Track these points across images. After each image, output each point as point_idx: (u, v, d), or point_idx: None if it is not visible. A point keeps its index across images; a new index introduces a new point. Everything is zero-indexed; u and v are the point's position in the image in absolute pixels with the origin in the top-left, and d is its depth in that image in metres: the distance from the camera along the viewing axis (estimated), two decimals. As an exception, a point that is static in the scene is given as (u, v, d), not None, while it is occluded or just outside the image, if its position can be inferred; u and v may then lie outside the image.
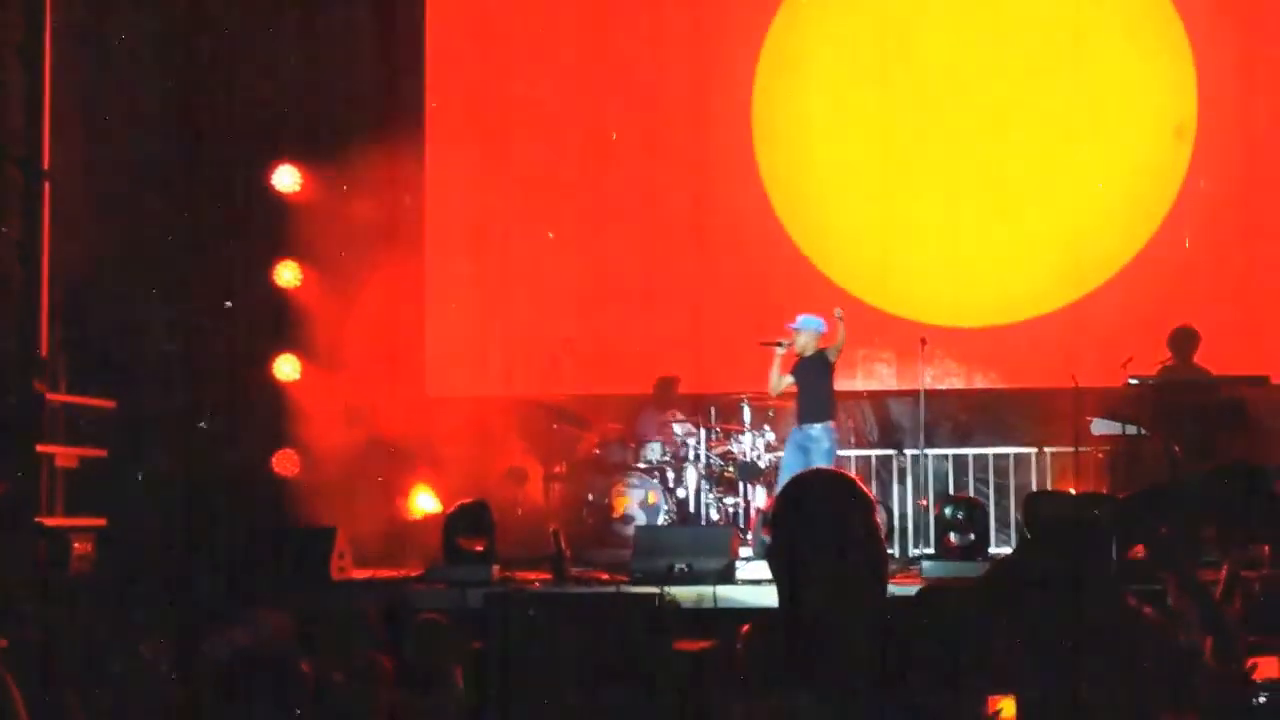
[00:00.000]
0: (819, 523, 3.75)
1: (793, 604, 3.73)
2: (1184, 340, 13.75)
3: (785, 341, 12.94)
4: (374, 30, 15.65)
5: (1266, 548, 7.03)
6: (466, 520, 12.10)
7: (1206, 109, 15.38)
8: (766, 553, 3.93)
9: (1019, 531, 13.57)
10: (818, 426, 12.94)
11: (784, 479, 12.70)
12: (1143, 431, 13.34)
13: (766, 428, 14.29)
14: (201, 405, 14.58)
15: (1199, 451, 13.11)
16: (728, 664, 8.78)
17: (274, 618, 6.99)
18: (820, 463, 12.67)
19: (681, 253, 15.86)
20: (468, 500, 12.49)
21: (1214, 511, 7.02)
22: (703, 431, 14.21)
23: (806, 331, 12.97)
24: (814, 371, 13.03)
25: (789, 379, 13.06)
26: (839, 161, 15.89)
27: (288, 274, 14.60)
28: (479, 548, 11.96)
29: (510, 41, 16.11)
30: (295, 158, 14.57)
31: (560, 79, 16.02)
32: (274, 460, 14.46)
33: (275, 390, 14.57)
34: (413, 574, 12.11)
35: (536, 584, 11.52)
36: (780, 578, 3.80)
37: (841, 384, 15.57)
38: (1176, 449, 13.19)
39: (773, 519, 3.87)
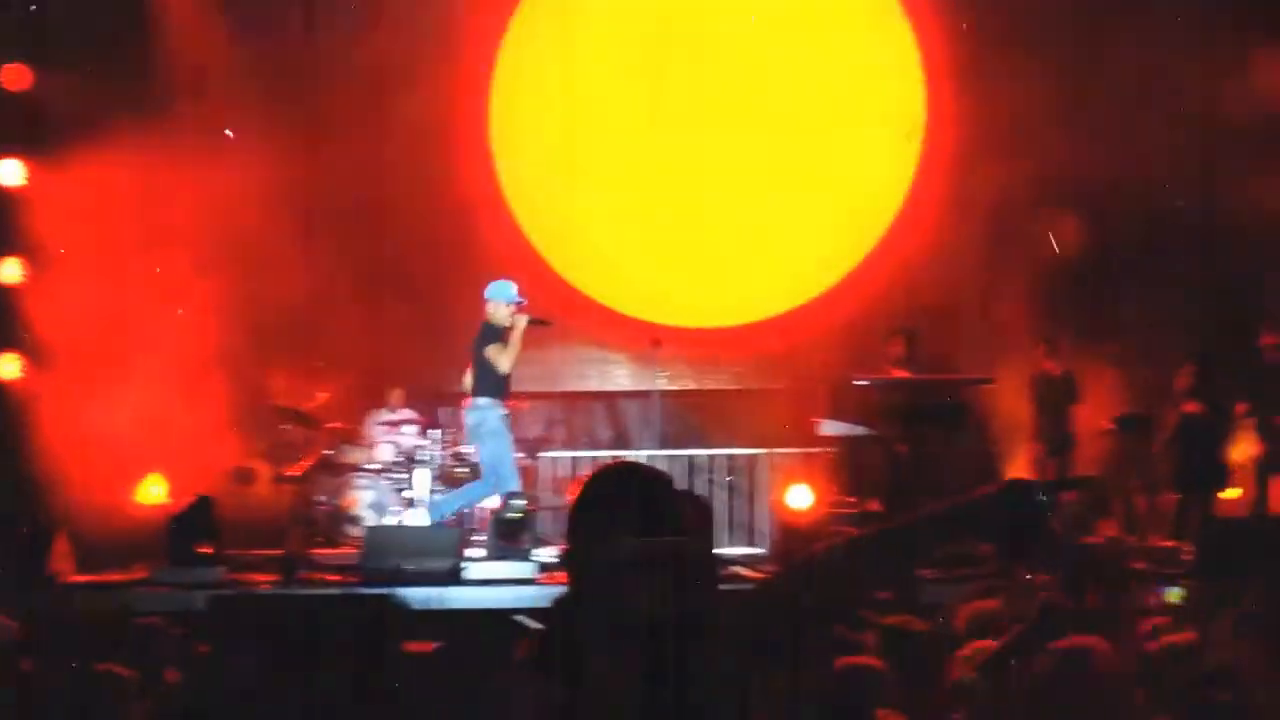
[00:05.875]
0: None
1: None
2: (910, 341, 14.11)
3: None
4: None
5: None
6: (192, 521, 11.82)
7: (934, 112, 15.81)
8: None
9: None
10: None
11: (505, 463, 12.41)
12: (869, 432, 13.66)
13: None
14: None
15: (923, 452, 13.48)
16: (454, 665, 8.75)
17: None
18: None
19: (414, 252, 15.68)
20: (193, 499, 12.20)
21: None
22: (436, 433, 14.14)
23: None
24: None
25: None
26: (575, 161, 15.95)
27: (9, 270, 14.15)
28: (206, 549, 11.71)
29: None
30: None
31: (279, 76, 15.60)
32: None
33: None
34: (138, 576, 11.77)
35: (265, 586, 11.33)
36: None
37: (575, 385, 15.65)
38: (901, 449, 13.54)
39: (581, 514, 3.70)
